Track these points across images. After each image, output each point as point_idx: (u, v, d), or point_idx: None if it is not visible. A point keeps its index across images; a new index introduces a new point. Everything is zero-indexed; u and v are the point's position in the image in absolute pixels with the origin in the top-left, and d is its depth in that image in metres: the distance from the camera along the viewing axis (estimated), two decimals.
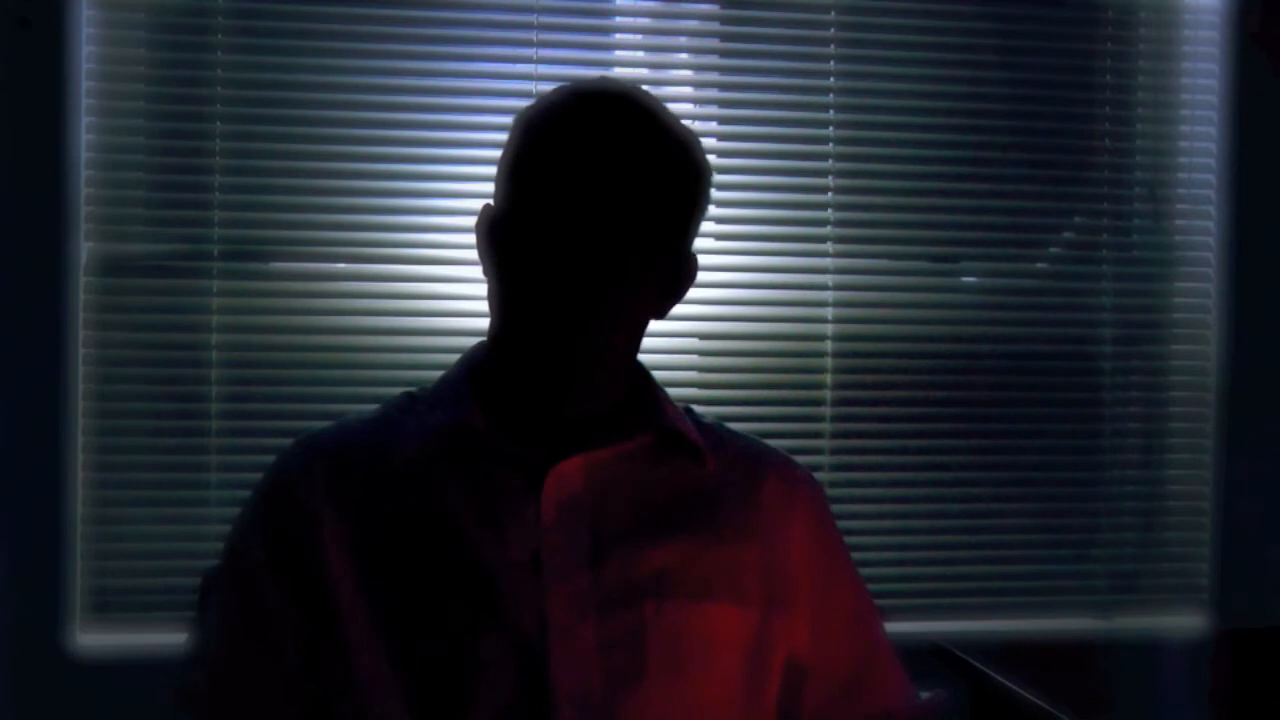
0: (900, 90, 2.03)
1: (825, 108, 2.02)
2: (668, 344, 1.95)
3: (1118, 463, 2.09)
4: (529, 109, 1.01)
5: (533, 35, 1.94)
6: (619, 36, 2.01)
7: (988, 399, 2.04)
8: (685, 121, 1.01)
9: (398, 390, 1.10)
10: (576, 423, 1.00)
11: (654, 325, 1.03)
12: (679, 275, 1.02)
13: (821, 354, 2.02)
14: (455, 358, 1.10)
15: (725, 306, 1.97)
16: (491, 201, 1.03)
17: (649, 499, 1.01)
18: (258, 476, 1.04)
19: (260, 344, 1.90)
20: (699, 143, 1.01)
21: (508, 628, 0.94)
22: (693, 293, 2.05)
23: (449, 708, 0.93)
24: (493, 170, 1.99)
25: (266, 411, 1.89)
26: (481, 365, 1.05)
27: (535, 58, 1.95)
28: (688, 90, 2.01)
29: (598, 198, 0.94)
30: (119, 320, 1.87)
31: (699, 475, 1.03)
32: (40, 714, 1.82)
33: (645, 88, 1.02)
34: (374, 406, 1.08)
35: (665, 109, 0.99)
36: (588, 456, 0.98)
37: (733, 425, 1.13)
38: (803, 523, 1.07)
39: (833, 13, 2.02)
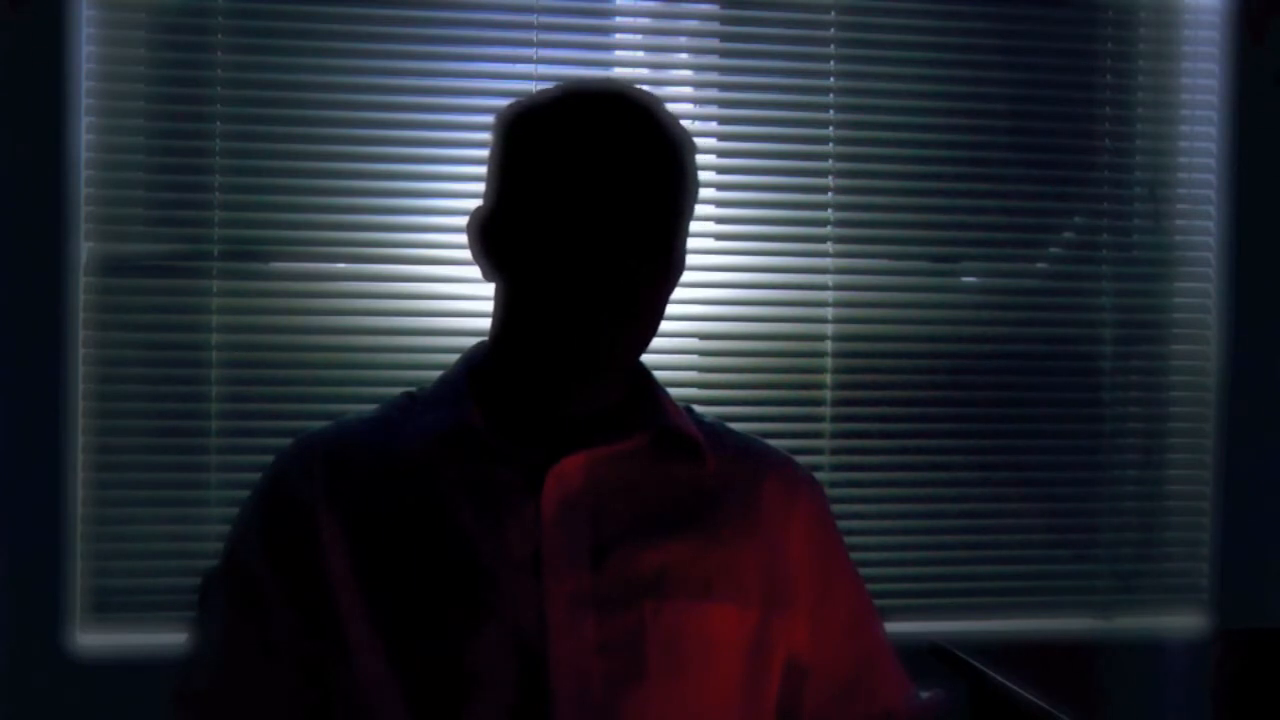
0: (900, 90, 2.03)
1: (825, 108, 2.02)
2: (668, 344, 1.95)
3: (1118, 463, 2.09)
4: (514, 109, 1.00)
5: (533, 35, 1.94)
6: (619, 36, 2.01)
7: (988, 399, 2.05)
8: (685, 122, 1.01)
9: (397, 390, 1.10)
10: (576, 422, 1.00)
11: None
12: (675, 271, 1.02)
13: (821, 354, 2.02)
14: (455, 358, 1.10)
15: (725, 306, 1.97)
16: (482, 203, 1.02)
17: (649, 498, 1.00)
18: (258, 476, 1.03)
19: (260, 344, 1.90)
20: (690, 137, 1.00)
21: (507, 628, 0.94)
22: (693, 293, 2.06)
23: (448, 708, 0.93)
24: None
25: (266, 411, 1.89)
26: (481, 365, 1.04)
27: (535, 58, 1.95)
28: (688, 90, 2.01)
29: (601, 197, 0.93)
30: (119, 320, 1.87)
31: (699, 474, 1.03)
32: (40, 714, 1.82)
33: (645, 87, 1.02)
34: (374, 406, 1.08)
35: (655, 103, 0.99)
36: (588, 455, 0.98)
37: (734, 426, 1.12)
38: (803, 522, 1.07)
39: (833, 13, 2.02)
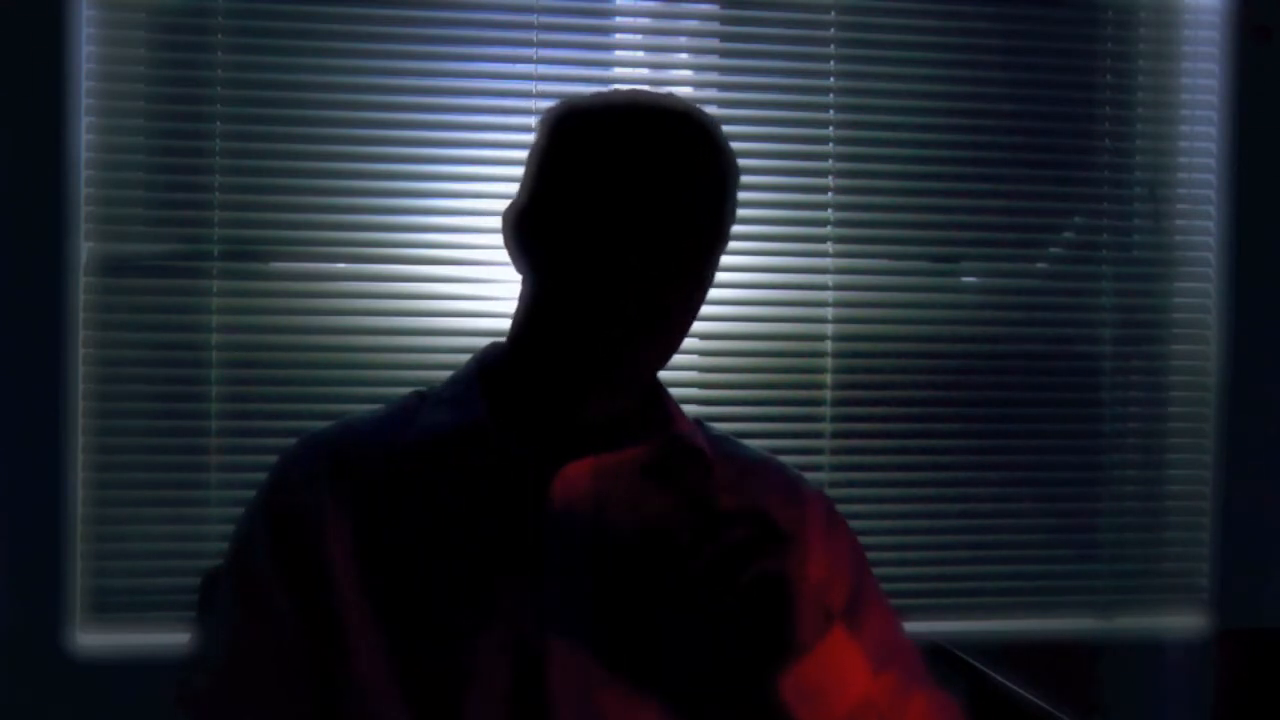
0: (900, 90, 2.03)
1: (825, 108, 2.02)
2: None
3: (1118, 463, 2.09)
4: (571, 108, 0.98)
5: (533, 35, 1.94)
6: (619, 36, 2.01)
7: (988, 399, 2.05)
8: None
9: (398, 391, 1.10)
10: (585, 426, 1.00)
11: None
12: (705, 290, 1.02)
13: (821, 354, 2.02)
14: (456, 358, 1.10)
15: (725, 306, 1.97)
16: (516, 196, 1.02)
17: (653, 505, 1.00)
18: (258, 476, 1.03)
19: (260, 344, 1.90)
20: (737, 163, 1.01)
21: (507, 629, 0.94)
22: None
23: (447, 708, 0.93)
24: (492, 170, 1.98)
25: (266, 411, 1.89)
26: (494, 365, 1.04)
27: (535, 58, 1.95)
28: (688, 90, 2.01)
29: (648, 208, 0.93)
30: (119, 320, 1.87)
31: (705, 485, 1.03)
32: (40, 714, 1.82)
33: (646, 88, 1.02)
34: (378, 406, 1.08)
35: (715, 126, 0.99)
36: (595, 460, 0.98)
37: (734, 427, 1.12)
38: (811, 540, 1.05)
39: (833, 13, 2.02)
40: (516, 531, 0.96)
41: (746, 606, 0.88)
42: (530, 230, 0.98)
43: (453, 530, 0.97)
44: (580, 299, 0.94)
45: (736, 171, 1.01)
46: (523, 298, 1.00)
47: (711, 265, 1.00)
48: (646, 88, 1.05)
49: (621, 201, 0.93)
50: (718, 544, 0.86)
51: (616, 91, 1.01)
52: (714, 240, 0.99)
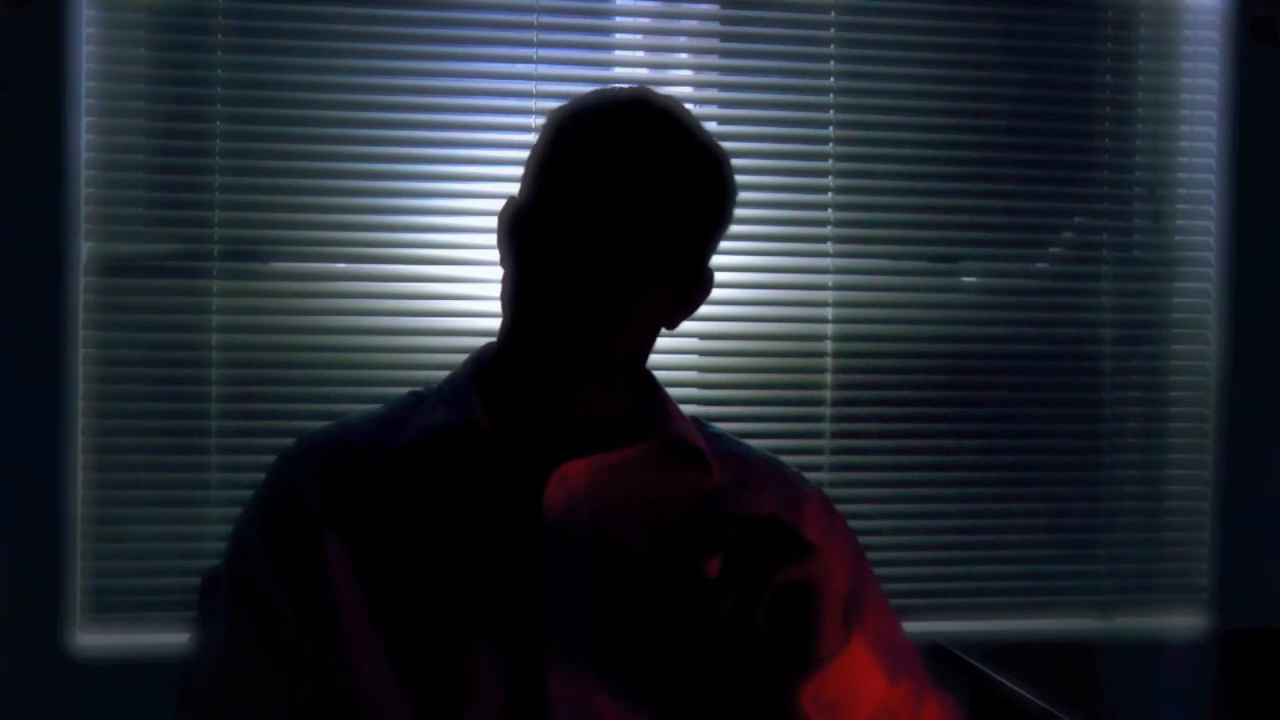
0: (900, 90, 2.03)
1: (825, 108, 2.02)
2: (668, 344, 1.94)
3: (1118, 463, 2.09)
4: (566, 108, 1.00)
5: (533, 35, 1.94)
6: (619, 36, 2.01)
7: (988, 399, 2.05)
8: None
9: (398, 391, 1.10)
10: (582, 427, 1.00)
11: None
12: (694, 288, 1.02)
13: (821, 354, 2.02)
14: (455, 358, 1.10)
15: (725, 306, 1.97)
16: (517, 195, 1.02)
17: (651, 505, 1.00)
18: (258, 476, 1.03)
19: (260, 344, 1.90)
20: (729, 162, 1.02)
21: (505, 629, 0.94)
22: None
23: (446, 709, 0.93)
24: (492, 170, 1.99)
25: (266, 411, 1.89)
26: (489, 365, 1.04)
27: (535, 58, 1.95)
28: (688, 90, 2.01)
29: (623, 202, 0.93)
30: (119, 320, 1.87)
31: (703, 485, 1.03)
32: (40, 714, 1.82)
33: (643, 86, 1.02)
34: (376, 406, 1.08)
35: (699, 125, 1.00)
36: (593, 459, 0.98)
37: (734, 426, 1.12)
38: (806, 531, 1.05)
39: (833, 13, 2.02)
40: (513, 531, 0.96)
41: (768, 619, 0.87)
42: (512, 230, 0.99)
43: (450, 531, 0.97)
44: (542, 293, 0.95)
45: (720, 166, 1.01)
46: (508, 295, 1.00)
47: (693, 260, 1.01)
48: (642, 86, 1.06)
49: (580, 196, 0.94)
50: (737, 557, 0.85)
51: (605, 90, 1.01)
52: (689, 234, 0.99)
